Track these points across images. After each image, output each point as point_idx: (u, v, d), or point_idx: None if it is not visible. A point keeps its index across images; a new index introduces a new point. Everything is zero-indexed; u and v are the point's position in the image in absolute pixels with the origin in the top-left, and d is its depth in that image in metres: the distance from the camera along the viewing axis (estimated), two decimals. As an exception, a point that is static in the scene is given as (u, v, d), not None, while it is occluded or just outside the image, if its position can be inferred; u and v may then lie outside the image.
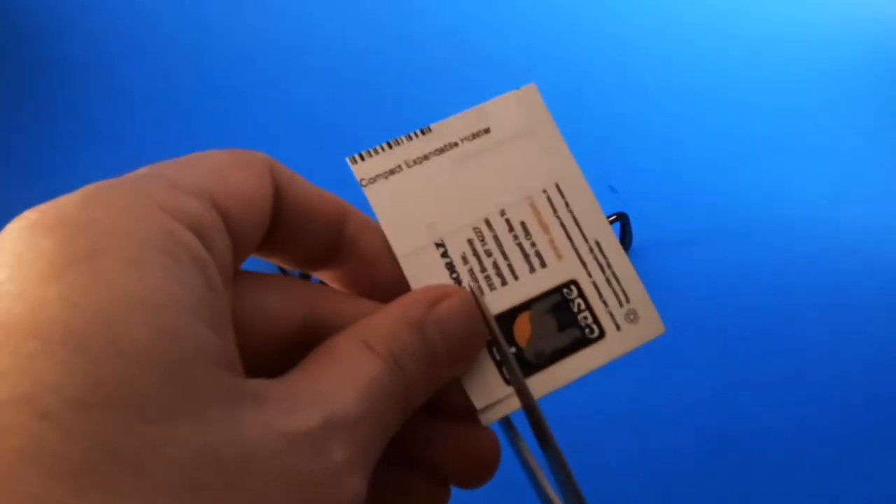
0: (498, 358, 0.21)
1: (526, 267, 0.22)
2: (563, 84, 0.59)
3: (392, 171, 0.21)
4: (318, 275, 0.22)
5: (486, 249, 0.22)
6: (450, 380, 0.20)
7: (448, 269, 0.21)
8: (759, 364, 0.46)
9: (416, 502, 0.21)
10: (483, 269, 0.21)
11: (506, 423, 0.21)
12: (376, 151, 0.22)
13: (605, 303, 0.22)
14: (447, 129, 0.22)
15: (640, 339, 0.22)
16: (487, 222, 0.22)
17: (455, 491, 0.21)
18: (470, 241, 0.22)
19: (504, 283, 0.22)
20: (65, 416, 0.12)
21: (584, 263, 0.22)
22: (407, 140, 0.22)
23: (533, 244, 0.22)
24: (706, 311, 0.48)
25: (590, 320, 0.22)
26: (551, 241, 0.22)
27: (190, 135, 0.56)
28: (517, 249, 0.22)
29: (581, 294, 0.22)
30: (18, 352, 0.13)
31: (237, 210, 0.17)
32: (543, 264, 0.22)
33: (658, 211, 0.52)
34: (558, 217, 0.22)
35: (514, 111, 0.23)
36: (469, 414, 0.21)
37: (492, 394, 0.21)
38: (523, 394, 0.20)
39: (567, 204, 0.22)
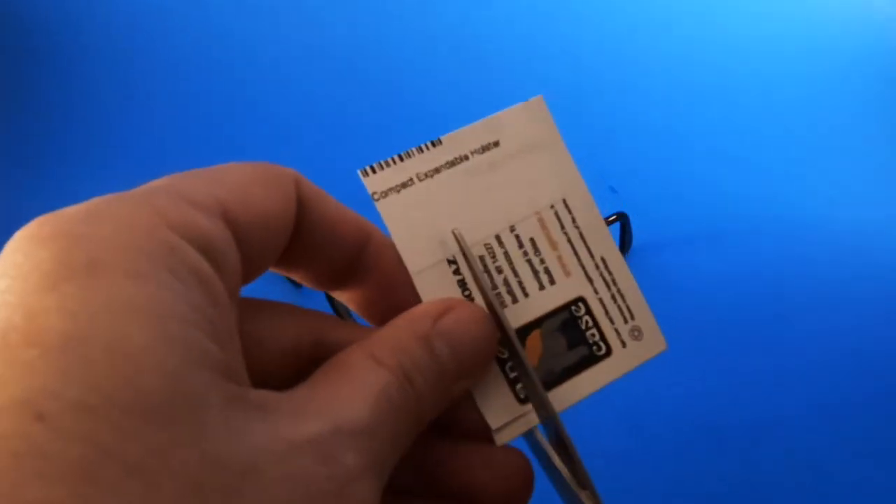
0: (511, 376, 0.21)
1: (536, 284, 0.22)
2: (564, 84, 0.59)
3: (404, 185, 0.21)
4: (336, 294, 0.22)
5: (497, 266, 0.22)
6: (460, 394, 0.20)
7: (460, 286, 0.21)
8: (759, 363, 0.46)
9: None
10: (494, 287, 0.21)
11: (531, 438, 0.21)
12: (388, 164, 0.21)
13: (611, 320, 0.22)
14: (458, 141, 0.22)
15: (644, 356, 0.22)
16: (498, 238, 0.22)
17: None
18: (482, 258, 0.21)
19: (515, 300, 0.21)
20: (62, 419, 0.12)
21: (590, 280, 0.22)
22: (418, 152, 0.22)
23: (542, 260, 0.22)
24: (706, 311, 0.48)
25: (597, 337, 0.22)
26: (559, 258, 0.22)
27: (199, 140, 0.56)
28: (527, 266, 0.22)
29: (589, 311, 0.22)
30: (16, 360, 0.13)
31: (253, 225, 0.17)
32: (552, 281, 0.22)
33: (658, 211, 0.52)
34: (566, 233, 0.22)
35: (523, 123, 0.22)
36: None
37: (506, 413, 0.21)
38: (544, 409, 0.20)
39: (574, 220, 0.22)
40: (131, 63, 0.60)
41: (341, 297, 0.22)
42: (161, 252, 0.15)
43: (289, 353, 0.19)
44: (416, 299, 0.21)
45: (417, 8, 0.64)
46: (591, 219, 0.22)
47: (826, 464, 0.42)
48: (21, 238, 0.15)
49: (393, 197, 0.21)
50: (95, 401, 0.13)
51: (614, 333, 0.22)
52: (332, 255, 0.20)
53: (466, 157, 0.22)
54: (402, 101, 0.59)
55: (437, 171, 0.22)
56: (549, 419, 0.20)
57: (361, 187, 0.21)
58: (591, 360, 0.21)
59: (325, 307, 0.42)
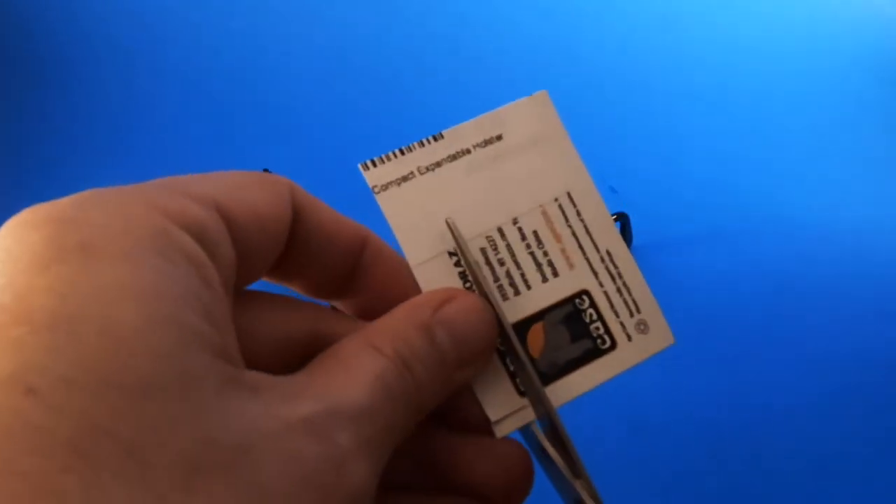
0: (511, 368, 0.21)
1: (538, 276, 0.21)
2: (564, 84, 0.59)
3: (404, 178, 0.21)
4: (336, 303, 0.22)
5: (499, 258, 0.21)
6: (461, 383, 0.20)
7: (461, 278, 0.21)
8: (759, 362, 0.46)
9: None
10: (496, 279, 0.21)
11: (525, 429, 0.21)
12: (388, 158, 0.21)
13: (616, 313, 0.22)
14: (460, 135, 0.22)
15: (650, 350, 0.22)
16: (500, 231, 0.22)
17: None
18: (483, 250, 0.21)
19: (517, 292, 0.21)
20: (52, 394, 0.12)
21: (595, 273, 0.22)
22: (419, 146, 0.22)
23: (545, 253, 0.22)
24: (706, 310, 0.48)
25: (601, 331, 0.21)
26: (563, 251, 0.22)
27: (201, 140, 0.56)
28: (530, 258, 0.22)
29: (593, 304, 0.22)
30: (5, 337, 0.13)
31: (246, 222, 0.17)
32: (556, 274, 0.22)
33: (658, 211, 0.52)
34: (570, 226, 0.22)
35: (527, 118, 0.22)
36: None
37: (506, 405, 0.20)
38: (541, 403, 0.20)
39: (578, 213, 0.22)
40: (134, 65, 0.60)
41: (342, 305, 0.22)
42: (153, 236, 0.15)
43: (284, 345, 0.19)
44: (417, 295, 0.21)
45: (418, 7, 0.64)
46: (596, 212, 0.22)
47: (827, 463, 0.42)
48: (12, 224, 0.15)
49: (393, 190, 0.21)
50: (87, 378, 0.13)
51: (619, 327, 0.22)
52: (329, 262, 0.20)
53: (468, 151, 0.22)
54: (403, 100, 0.59)
55: (438, 164, 0.22)
56: (547, 416, 0.20)
57: (364, 184, 0.21)
58: (595, 353, 0.21)
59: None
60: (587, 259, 0.22)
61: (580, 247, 0.22)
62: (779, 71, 0.61)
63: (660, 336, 0.22)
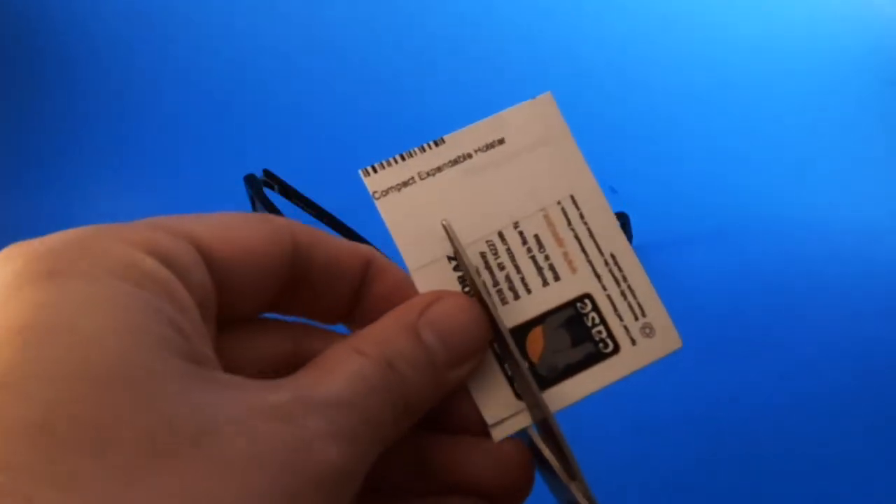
0: (510, 373, 0.21)
1: (539, 280, 0.21)
2: (564, 85, 0.59)
3: (405, 184, 0.21)
4: (348, 325, 0.22)
5: (498, 263, 0.21)
6: (456, 383, 0.20)
7: (460, 282, 0.21)
8: (759, 363, 0.46)
9: None
10: (496, 283, 0.21)
11: (523, 434, 0.21)
12: (389, 164, 0.21)
13: (619, 317, 0.21)
14: (461, 140, 0.22)
15: (656, 354, 0.21)
16: (501, 235, 0.22)
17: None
18: (483, 255, 0.21)
19: (517, 297, 0.21)
20: (22, 385, 0.13)
21: (598, 276, 0.22)
22: (420, 152, 0.22)
23: (547, 257, 0.22)
24: (706, 310, 0.48)
25: (604, 335, 0.21)
26: (565, 254, 0.22)
27: (201, 139, 0.56)
28: (530, 263, 0.21)
29: (595, 308, 0.21)
30: None
31: (226, 255, 0.18)
32: (557, 278, 0.21)
33: (658, 211, 0.52)
34: (573, 229, 0.22)
35: (530, 121, 0.22)
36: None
37: (503, 408, 0.20)
38: (537, 406, 0.20)
39: (582, 216, 0.22)
40: (135, 64, 0.60)
41: (352, 327, 0.22)
42: (117, 260, 0.16)
43: (271, 364, 0.20)
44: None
45: (419, 7, 0.64)
46: (600, 215, 0.22)
47: (828, 462, 0.42)
48: None
49: (393, 196, 0.21)
50: (53, 372, 0.14)
51: (623, 331, 0.21)
52: (336, 289, 0.21)
53: (470, 156, 0.22)
54: (404, 100, 0.59)
55: (438, 169, 0.21)
56: (544, 421, 0.20)
57: (364, 183, 0.21)
58: (596, 357, 0.21)
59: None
60: (590, 262, 0.22)
61: (583, 250, 0.22)
62: (779, 71, 0.61)
63: (666, 340, 0.21)
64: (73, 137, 0.56)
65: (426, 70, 0.60)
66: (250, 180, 0.48)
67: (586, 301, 0.21)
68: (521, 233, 0.22)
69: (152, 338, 0.15)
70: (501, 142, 0.22)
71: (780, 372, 0.46)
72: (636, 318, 0.22)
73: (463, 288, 0.21)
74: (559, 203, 0.22)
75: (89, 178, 0.54)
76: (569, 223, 0.22)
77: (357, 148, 0.55)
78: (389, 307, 0.20)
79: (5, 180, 0.54)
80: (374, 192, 0.21)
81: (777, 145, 0.57)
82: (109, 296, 0.15)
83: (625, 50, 0.62)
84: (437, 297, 0.20)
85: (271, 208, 0.46)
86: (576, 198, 0.22)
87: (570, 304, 0.21)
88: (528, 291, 0.21)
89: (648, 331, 0.21)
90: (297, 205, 0.48)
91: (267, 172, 0.50)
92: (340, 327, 0.22)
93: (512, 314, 0.21)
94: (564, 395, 0.21)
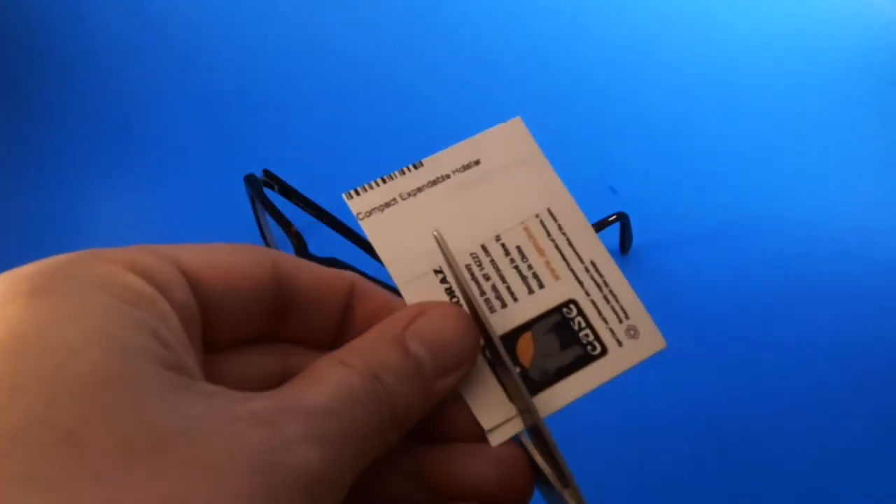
0: (502, 378, 0.21)
1: (524, 289, 0.22)
2: (564, 85, 0.59)
3: (387, 204, 0.22)
4: None
5: (483, 273, 0.22)
6: (446, 392, 0.20)
7: (448, 294, 0.22)
8: (759, 363, 0.46)
9: None
10: (483, 293, 0.22)
11: (516, 441, 0.21)
12: (371, 186, 0.22)
13: (604, 320, 0.22)
14: (438, 162, 0.23)
15: (642, 354, 0.22)
16: (484, 248, 0.22)
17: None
18: (468, 267, 0.22)
19: (504, 305, 0.22)
20: (2, 398, 0.14)
21: (580, 283, 0.22)
22: (400, 175, 0.23)
23: (530, 266, 0.22)
24: (706, 311, 0.48)
25: (591, 337, 0.22)
26: (547, 263, 0.23)
27: (201, 139, 0.56)
28: (515, 272, 0.22)
29: (581, 312, 0.22)
30: None
31: (209, 278, 0.19)
32: (541, 285, 0.22)
33: (658, 211, 0.52)
34: (552, 240, 0.23)
35: (502, 143, 0.23)
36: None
37: (499, 414, 0.21)
38: (530, 413, 0.20)
39: (560, 227, 0.23)
40: (135, 64, 0.60)
41: None
42: (98, 277, 0.16)
43: (256, 386, 0.20)
44: None
45: (420, 6, 0.64)
46: (577, 225, 0.23)
47: (828, 462, 0.42)
48: None
49: (377, 216, 0.22)
50: (29, 382, 0.14)
51: (609, 333, 0.22)
52: (323, 314, 0.21)
53: (448, 176, 0.23)
54: (405, 100, 0.59)
55: (419, 189, 0.23)
56: (536, 426, 0.20)
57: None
58: (586, 359, 0.22)
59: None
60: (572, 270, 0.23)
61: (564, 258, 0.23)
62: (779, 70, 0.61)
63: (651, 341, 0.22)
64: (73, 137, 0.56)
65: (427, 70, 0.60)
66: (250, 180, 0.48)
67: (571, 306, 0.22)
68: (503, 245, 0.23)
69: (132, 347, 0.15)
70: (477, 163, 0.23)
71: (780, 372, 0.46)
72: (620, 321, 0.22)
73: (451, 299, 0.22)
74: (537, 216, 0.23)
75: (89, 178, 0.54)
76: (548, 234, 0.23)
77: (357, 148, 0.55)
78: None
79: (5, 180, 0.54)
80: (358, 214, 0.22)
81: (777, 145, 0.57)
82: (89, 308, 0.15)
83: (625, 50, 0.62)
84: (424, 308, 0.20)
85: (271, 208, 0.46)
86: (553, 210, 0.23)
87: (556, 309, 0.22)
88: (515, 299, 0.22)
89: (633, 332, 0.22)
90: (297, 205, 0.48)
91: (267, 172, 0.50)
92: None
93: (501, 321, 0.22)
94: (558, 397, 0.21)
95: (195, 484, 0.14)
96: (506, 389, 0.21)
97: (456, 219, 0.23)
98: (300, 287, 0.21)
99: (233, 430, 0.15)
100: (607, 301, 0.22)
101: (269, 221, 0.49)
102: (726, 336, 0.47)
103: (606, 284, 0.23)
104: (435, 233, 0.21)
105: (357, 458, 0.17)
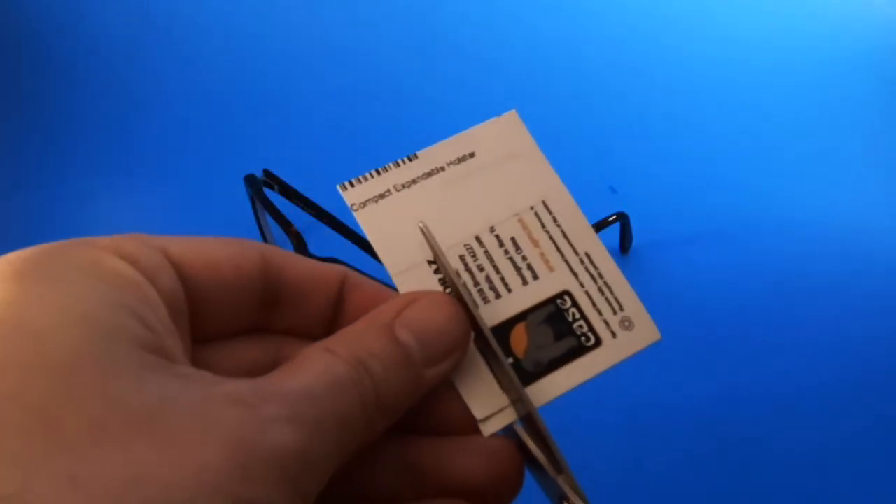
0: (494, 369, 0.21)
1: (518, 280, 0.22)
2: (564, 85, 0.59)
3: (381, 196, 0.22)
4: None
5: (478, 265, 0.22)
6: (436, 381, 0.20)
7: (441, 284, 0.22)
8: (759, 364, 0.46)
9: None
10: (476, 284, 0.22)
11: (509, 430, 0.21)
12: (365, 178, 0.23)
13: (599, 311, 0.22)
14: (433, 154, 0.23)
15: (636, 346, 0.22)
16: (478, 239, 0.22)
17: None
18: (462, 258, 0.22)
19: (498, 295, 0.22)
20: None
21: (575, 274, 0.22)
22: (395, 166, 0.23)
23: (524, 258, 0.22)
24: (706, 311, 0.48)
25: (585, 329, 0.22)
26: (542, 255, 0.23)
27: (200, 138, 0.56)
28: (509, 263, 0.22)
29: (575, 304, 0.22)
30: None
31: (196, 267, 0.19)
32: (535, 276, 0.22)
33: (658, 211, 0.52)
34: (547, 231, 0.23)
35: (498, 136, 0.24)
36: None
37: (491, 403, 0.21)
38: (522, 403, 0.20)
39: (555, 219, 0.23)
40: (136, 64, 0.60)
41: None
42: (81, 259, 0.16)
43: (246, 375, 0.20)
44: None
45: (420, 6, 0.64)
46: (572, 217, 0.23)
47: (828, 462, 0.42)
48: None
49: (371, 207, 0.22)
50: (7, 364, 0.14)
51: (603, 324, 0.22)
52: (313, 307, 0.21)
53: (442, 168, 0.23)
54: (405, 100, 0.59)
55: (413, 181, 0.23)
56: (529, 416, 0.20)
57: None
58: (579, 350, 0.22)
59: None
60: (566, 261, 0.23)
61: (558, 250, 0.23)
62: (779, 70, 0.61)
63: (645, 332, 0.22)
64: (74, 138, 0.56)
65: (427, 70, 0.60)
66: (250, 180, 0.48)
67: (566, 297, 0.22)
68: (497, 236, 0.23)
69: (112, 329, 0.15)
70: (472, 155, 0.23)
71: (780, 371, 0.46)
72: (615, 313, 0.22)
73: (445, 290, 0.22)
74: (532, 208, 0.23)
75: (89, 177, 0.54)
76: (543, 226, 0.23)
77: (358, 148, 0.55)
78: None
79: (5, 180, 0.54)
80: (353, 205, 0.22)
81: (777, 145, 0.57)
82: (72, 292, 0.16)
83: (625, 49, 0.62)
84: (414, 297, 0.20)
85: (271, 208, 0.46)
86: (547, 202, 0.23)
87: (551, 300, 0.22)
88: (509, 290, 0.22)
89: (627, 324, 0.22)
90: (297, 205, 0.48)
91: (267, 172, 0.50)
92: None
93: (494, 312, 0.22)
94: (551, 387, 0.21)
95: (167, 461, 0.14)
96: (498, 380, 0.21)
97: (450, 210, 0.23)
98: (289, 278, 0.21)
99: (208, 409, 0.15)
100: (602, 292, 0.22)
101: (269, 221, 0.49)
102: (726, 336, 0.47)
103: (601, 276, 0.23)
104: (420, 224, 0.21)
105: (339, 446, 0.17)
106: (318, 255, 0.43)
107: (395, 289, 0.22)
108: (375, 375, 0.18)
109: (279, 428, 0.15)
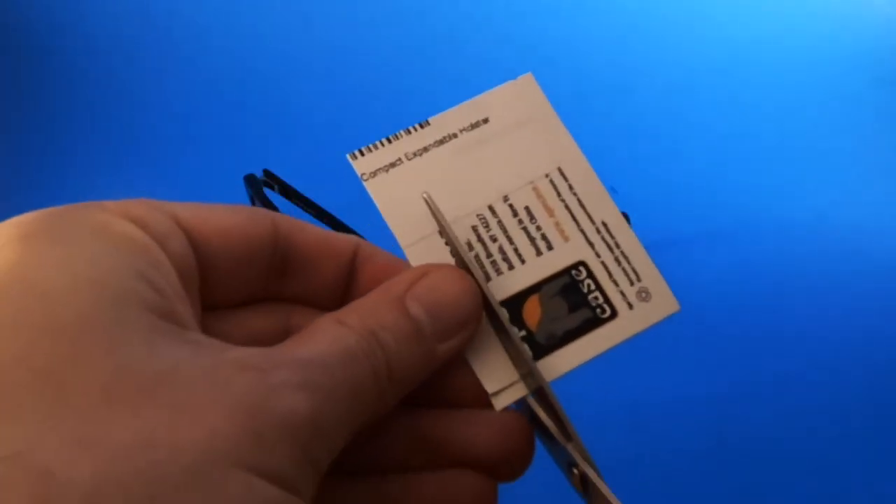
0: (505, 343, 0.21)
1: (532, 250, 0.21)
2: (564, 85, 0.59)
3: (392, 165, 0.21)
4: None
5: (490, 235, 0.21)
6: (448, 355, 0.19)
7: (453, 256, 0.21)
8: (759, 363, 0.46)
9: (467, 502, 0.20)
10: (489, 255, 0.21)
11: (520, 402, 0.21)
12: (375, 147, 0.22)
13: (615, 282, 0.21)
14: (445, 121, 0.22)
15: (654, 317, 0.21)
16: (491, 209, 0.22)
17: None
18: (474, 228, 0.21)
19: (511, 267, 0.21)
20: None
21: (591, 244, 0.22)
22: (406, 134, 0.22)
23: (538, 227, 0.22)
24: (706, 311, 0.48)
25: (601, 300, 0.21)
26: (557, 224, 0.22)
27: (199, 137, 0.56)
28: (522, 234, 0.21)
29: (590, 274, 0.21)
30: None
31: (205, 233, 0.18)
32: (550, 247, 0.21)
33: (658, 211, 0.52)
34: (563, 200, 0.22)
35: (512, 101, 0.22)
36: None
37: (503, 377, 0.20)
38: (532, 377, 0.20)
39: (571, 187, 0.22)
40: (136, 64, 0.60)
41: None
42: (91, 222, 0.16)
43: (257, 343, 0.20)
44: None
45: (420, 5, 0.64)
46: (589, 185, 0.22)
47: (828, 461, 0.42)
48: None
49: (381, 176, 0.21)
50: (18, 325, 0.14)
51: (619, 296, 0.21)
52: (325, 275, 0.21)
53: (455, 135, 0.22)
54: (406, 100, 0.59)
55: (425, 149, 0.22)
56: (540, 389, 0.20)
57: (356, 181, 0.22)
58: (595, 322, 0.21)
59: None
60: (582, 231, 0.22)
61: (574, 219, 0.22)
62: (778, 70, 0.61)
63: (663, 303, 0.21)
64: (73, 138, 0.56)
65: (428, 70, 0.60)
66: (250, 180, 0.48)
67: (581, 268, 0.21)
68: (511, 205, 0.22)
69: (120, 292, 0.15)
70: (486, 121, 0.22)
71: (780, 371, 0.46)
72: (632, 283, 0.21)
73: (456, 262, 0.21)
74: (547, 175, 0.22)
75: (90, 177, 0.54)
76: (558, 194, 0.22)
77: (357, 148, 0.55)
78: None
79: (6, 180, 0.54)
80: (363, 174, 0.21)
81: (777, 145, 0.57)
82: (80, 254, 0.15)
83: (625, 50, 0.62)
84: (426, 270, 0.20)
85: (271, 208, 0.46)
86: (563, 169, 0.22)
87: (565, 271, 0.21)
88: (522, 261, 0.21)
89: (645, 295, 0.21)
90: (297, 205, 0.48)
91: (267, 172, 0.49)
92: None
93: (507, 284, 0.21)
94: (565, 360, 0.21)
95: (177, 425, 0.14)
96: (510, 353, 0.21)
97: (463, 180, 0.22)
98: (300, 246, 0.20)
99: (218, 374, 0.15)
100: (618, 263, 0.22)
101: (270, 221, 0.49)
102: (726, 335, 0.47)
103: (618, 246, 0.22)
104: (424, 195, 0.20)
105: (351, 415, 0.17)
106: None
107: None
108: (387, 348, 0.18)
109: (290, 394, 0.15)
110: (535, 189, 0.22)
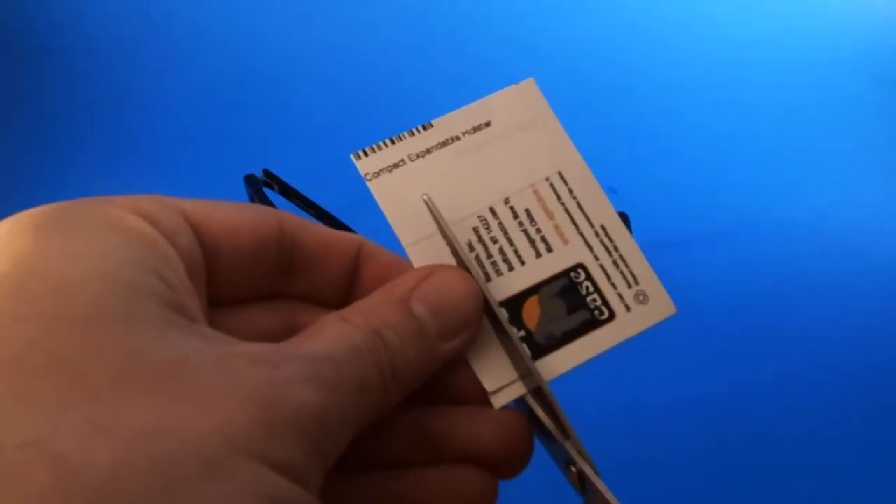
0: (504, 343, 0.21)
1: (532, 252, 0.22)
2: (564, 85, 0.59)
3: (395, 165, 0.22)
4: None
5: (491, 237, 0.22)
6: (450, 355, 0.20)
7: (454, 256, 0.21)
8: (759, 363, 0.46)
9: (468, 498, 0.21)
10: (489, 256, 0.22)
11: (519, 400, 0.21)
12: (379, 147, 0.22)
13: (613, 285, 0.22)
14: (448, 123, 0.23)
15: (651, 320, 0.22)
16: (492, 210, 0.22)
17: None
18: (475, 229, 0.22)
19: (511, 268, 0.22)
20: (3, 327, 0.14)
21: (590, 247, 0.22)
22: (409, 136, 0.22)
23: (538, 230, 0.22)
24: (706, 311, 0.48)
25: (599, 302, 0.22)
26: (556, 227, 0.22)
27: (198, 136, 0.56)
28: (523, 235, 0.22)
29: (589, 277, 0.22)
30: None
31: (213, 229, 0.19)
32: (550, 249, 0.22)
33: (658, 211, 0.52)
34: (562, 203, 0.22)
35: (514, 105, 0.23)
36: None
37: (502, 376, 0.21)
38: (531, 376, 0.20)
39: (571, 191, 0.22)
40: (136, 64, 0.60)
41: None
42: (102, 216, 0.16)
43: (263, 339, 0.20)
44: None
45: (420, 5, 0.64)
46: (588, 188, 0.23)
47: (828, 461, 0.42)
48: None
49: (385, 177, 0.22)
50: (29, 313, 0.14)
51: (617, 298, 0.22)
52: (329, 273, 0.21)
53: (458, 138, 0.22)
54: (406, 100, 0.59)
55: (428, 151, 0.22)
56: (539, 389, 0.20)
57: (364, 183, 0.22)
58: (593, 324, 0.21)
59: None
60: (581, 234, 0.22)
61: (573, 222, 0.22)
62: (778, 70, 0.61)
63: (660, 306, 0.22)
64: (73, 138, 0.56)
65: (428, 70, 0.60)
66: (250, 180, 0.48)
67: (579, 270, 0.22)
68: (511, 208, 0.22)
69: (132, 285, 0.15)
70: (488, 124, 0.23)
71: (780, 371, 0.46)
72: (629, 286, 0.22)
73: (458, 262, 0.21)
74: (548, 179, 0.23)
75: (90, 177, 0.54)
76: (558, 198, 0.22)
77: (358, 148, 0.55)
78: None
79: (6, 180, 0.54)
80: (366, 174, 0.22)
81: (777, 145, 0.57)
82: (92, 247, 0.16)
83: (625, 50, 0.62)
84: (431, 271, 0.20)
85: (271, 208, 0.46)
86: (563, 174, 0.23)
87: (564, 273, 0.22)
88: (522, 263, 0.22)
89: (642, 297, 0.22)
90: (297, 205, 0.48)
91: (267, 172, 0.50)
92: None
93: (507, 285, 0.21)
94: (564, 360, 0.21)
95: (190, 414, 0.14)
96: (509, 353, 0.21)
97: (465, 181, 0.22)
98: (305, 245, 0.21)
99: (229, 365, 0.15)
100: (616, 266, 0.22)
101: (269, 221, 0.49)
102: (726, 335, 0.47)
103: (616, 249, 0.22)
104: (424, 196, 0.21)
105: (358, 410, 0.17)
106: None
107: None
108: (391, 345, 0.18)
109: (300, 387, 0.15)
110: (535, 192, 0.22)
